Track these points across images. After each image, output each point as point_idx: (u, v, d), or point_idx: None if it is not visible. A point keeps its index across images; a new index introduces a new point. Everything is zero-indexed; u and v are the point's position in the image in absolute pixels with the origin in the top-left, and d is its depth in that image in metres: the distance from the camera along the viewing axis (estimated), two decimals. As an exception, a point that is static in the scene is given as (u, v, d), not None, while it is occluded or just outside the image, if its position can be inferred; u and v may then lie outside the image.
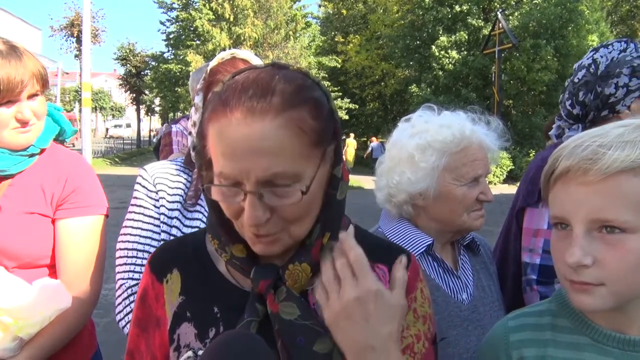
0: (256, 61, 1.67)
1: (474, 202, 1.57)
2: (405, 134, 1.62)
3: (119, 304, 1.61)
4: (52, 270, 1.68)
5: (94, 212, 1.72)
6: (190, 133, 1.74)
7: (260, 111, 0.86)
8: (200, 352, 0.99)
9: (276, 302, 0.95)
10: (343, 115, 30.59)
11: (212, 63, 1.69)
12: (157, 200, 1.66)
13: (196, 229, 1.60)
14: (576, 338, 1.07)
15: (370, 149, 26.82)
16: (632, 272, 0.94)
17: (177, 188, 1.69)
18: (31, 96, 1.58)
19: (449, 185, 1.56)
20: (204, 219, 1.66)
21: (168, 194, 1.67)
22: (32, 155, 1.66)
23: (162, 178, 1.69)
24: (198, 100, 1.71)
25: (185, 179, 1.71)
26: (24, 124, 1.58)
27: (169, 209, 1.65)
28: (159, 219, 1.65)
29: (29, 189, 1.66)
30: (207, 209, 1.67)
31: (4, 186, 1.64)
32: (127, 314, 1.59)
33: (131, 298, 1.59)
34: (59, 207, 1.68)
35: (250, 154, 0.86)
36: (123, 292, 1.61)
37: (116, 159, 31.61)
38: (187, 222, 1.65)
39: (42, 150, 1.70)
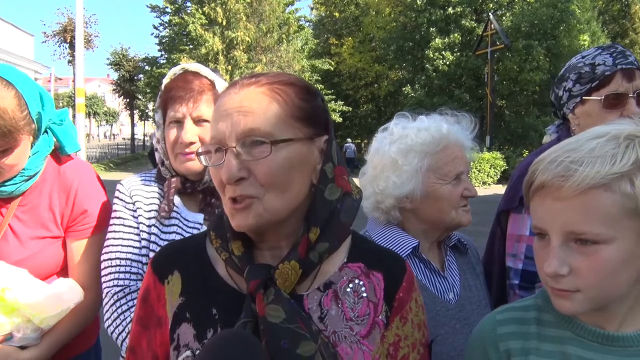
0: (206, 72, 1.73)
1: (460, 198, 1.63)
2: (385, 142, 1.67)
3: (107, 311, 1.66)
4: (60, 275, 1.80)
5: (101, 229, 1.80)
6: (156, 149, 1.77)
7: (249, 84, 1.03)
8: (198, 352, 1.02)
9: (264, 303, 0.98)
10: (337, 117, 30.61)
11: (165, 80, 1.73)
12: (135, 211, 1.71)
13: (173, 239, 1.64)
14: (560, 332, 1.11)
15: (344, 149, 27.23)
16: (605, 280, 1.00)
17: (152, 198, 1.74)
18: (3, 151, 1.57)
19: (434, 185, 1.60)
20: (180, 226, 1.70)
21: (145, 204, 1.72)
22: (29, 178, 1.71)
23: (138, 190, 1.74)
24: (158, 117, 1.74)
25: (158, 192, 1.76)
26: None
27: (147, 218, 1.70)
28: (138, 227, 1.70)
29: (39, 211, 1.75)
30: (182, 218, 1.69)
31: (14, 206, 1.72)
32: (114, 320, 1.64)
33: (117, 304, 1.64)
34: (70, 229, 1.79)
35: (233, 113, 1.00)
36: (109, 300, 1.66)
37: (110, 164, 31.58)
38: (165, 229, 1.69)
39: (39, 172, 1.75)
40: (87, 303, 1.73)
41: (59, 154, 1.82)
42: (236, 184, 0.98)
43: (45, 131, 1.75)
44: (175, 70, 1.75)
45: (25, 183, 1.71)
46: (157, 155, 1.77)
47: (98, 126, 75.46)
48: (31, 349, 1.63)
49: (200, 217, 1.72)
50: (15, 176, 1.67)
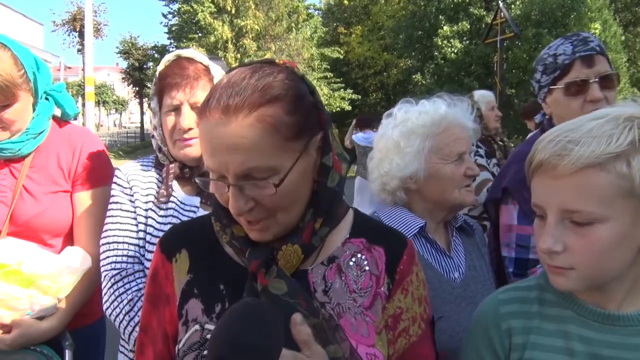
0: (200, 58, 1.74)
1: (463, 178, 1.68)
2: (389, 127, 1.73)
3: (105, 293, 1.70)
4: (69, 238, 1.92)
5: (102, 183, 1.93)
6: (153, 136, 1.81)
7: (234, 110, 0.95)
8: (207, 326, 1.07)
9: (266, 279, 1.03)
10: (346, 106, 30.51)
11: (160, 67, 1.74)
12: (132, 196, 1.75)
13: (170, 225, 1.67)
14: (561, 311, 1.15)
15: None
16: (598, 259, 1.03)
17: (150, 183, 1.78)
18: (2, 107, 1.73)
19: (436, 165, 1.65)
20: (177, 209, 1.72)
21: (142, 189, 1.75)
22: (35, 137, 1.86)
23: (135, 175, 1.78)
24: (154, 105, 1.78)
25: (156, 177, 1.79)
26: None
27: (144, 202, 1.74)
28: (135, 212, 1.73)
29: (48, 170, 1.90)
30: (179, 202, 1.72)
31: (25, 168, 1.86)
32: (112, 302, 1.67)
33: (114, 287, 1.68)
34: (75, 183, 1.94)
35: (227, 151, 0.95)
36: (107, 282, 1.70)
37: (120, 152, 31.77)
38: (162, 213, 1.72)
39: (44, 131, 1.89)
40: (93, 265, 1.80)
41: (61, 121, 1.99)
42: (247, 212, 1.01)
43: (47, 98, 1.91)
44: (169, 57, 1.75)
45: (32, 141, 1.85)
46: (154, 142, 1.80)
47: (107, 115, 75.55)
48: (49, 319, 1.73)
49: (196, 200, 1.75)
50: (20, 135, 1.81)
